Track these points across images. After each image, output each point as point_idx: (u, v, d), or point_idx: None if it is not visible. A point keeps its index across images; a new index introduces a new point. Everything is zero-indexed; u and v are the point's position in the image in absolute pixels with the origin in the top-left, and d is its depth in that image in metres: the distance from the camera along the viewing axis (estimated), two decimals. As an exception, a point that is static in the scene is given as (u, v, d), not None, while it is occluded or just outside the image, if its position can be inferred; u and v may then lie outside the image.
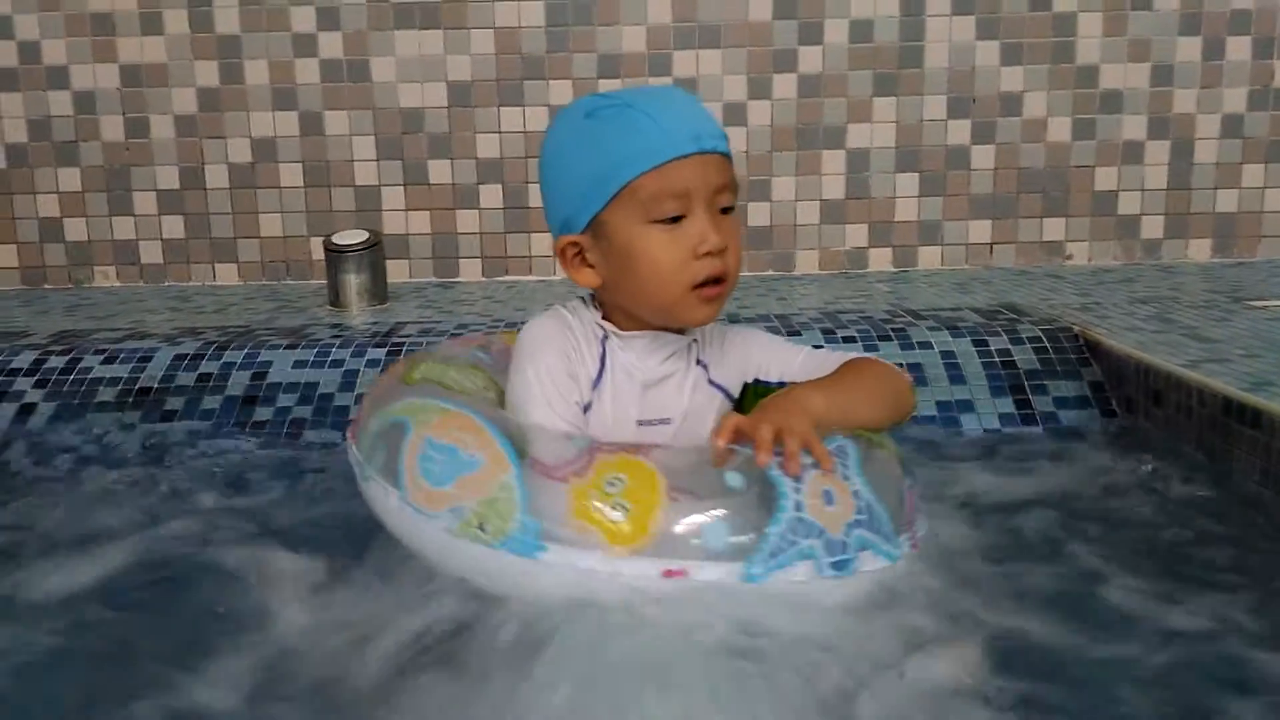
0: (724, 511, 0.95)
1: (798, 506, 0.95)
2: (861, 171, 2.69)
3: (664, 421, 1.15)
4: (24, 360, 1.87)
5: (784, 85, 2.65)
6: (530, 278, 2.66)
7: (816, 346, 1.23)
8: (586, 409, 1.13)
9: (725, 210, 1.10)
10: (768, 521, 0.94)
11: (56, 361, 1.87)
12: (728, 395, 1.19)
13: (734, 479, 0.97)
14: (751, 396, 1.19)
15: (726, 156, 1.11)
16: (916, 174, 2.68)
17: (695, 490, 0.96)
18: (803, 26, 2.63)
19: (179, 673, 0.95)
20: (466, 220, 2.71)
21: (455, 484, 0.99)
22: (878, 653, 0.93)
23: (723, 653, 0.90)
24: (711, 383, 1.18)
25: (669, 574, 0.93)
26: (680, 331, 1.16)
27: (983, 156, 2.68)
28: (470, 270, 2.72)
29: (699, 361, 1.18)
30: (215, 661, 0.98)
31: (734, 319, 2.04)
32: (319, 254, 2.63)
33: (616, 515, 0.94)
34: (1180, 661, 0.96)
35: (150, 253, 2.72)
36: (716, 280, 1.09)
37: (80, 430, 1.71)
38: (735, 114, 2.66)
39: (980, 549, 1.21)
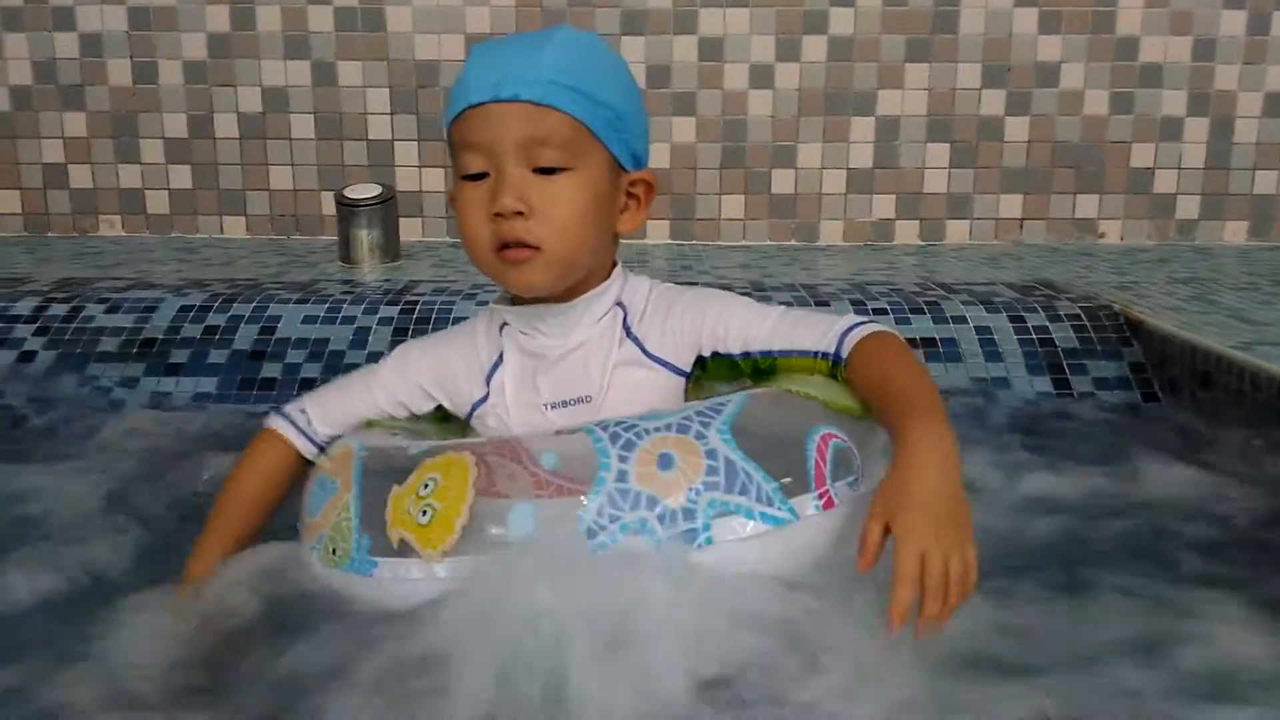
0: (529, 496, 0.86)
1: (620, 476, 0.86)
2: (891, 140, 2.60)
3: (581, 401, 1.03)
4: (25, 307, 1.80)
5: (814, 48, 2.57)
6: (546, 240, 2.58)
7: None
8: (484, 401, 1.06)
9: (547, 170, 0.96)
10: (585, 499, 0.85)
11: (58, 309, 1.80)
12: (675, 370, 1.05)
13: (549, 458, 0.87)
14: (717, 369, 1.04)
15: (545, 106, 0.95)
16: (947, 144, 2.60)
17: (505, 478, 0.87)
18: (835, -13, 2.54)
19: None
20: (482, 179, 2.63)
21: (320, 513, 0.95)
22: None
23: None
24: (650, 356, 1.04)
25: None
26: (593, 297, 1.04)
27: (1016, 128, 2.59)
28: (484, 231, 2.65)
29: (629, 333, 1.05)
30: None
31: (759, 288, 1.97)
32: (329, 209, 2.56)
33: (425, 519, 0.87)
34: (1222, 651, 0.90)
35: (157, 202, 2.65)
36: (520, 244, 0.97)
37: (81, 380, 1.65)
38: (762, 76, 2.57)
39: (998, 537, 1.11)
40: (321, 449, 1.05)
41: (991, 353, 1.72)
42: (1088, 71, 2.57)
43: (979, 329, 1.76)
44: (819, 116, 2.60)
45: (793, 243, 2.65)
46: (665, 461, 0.87)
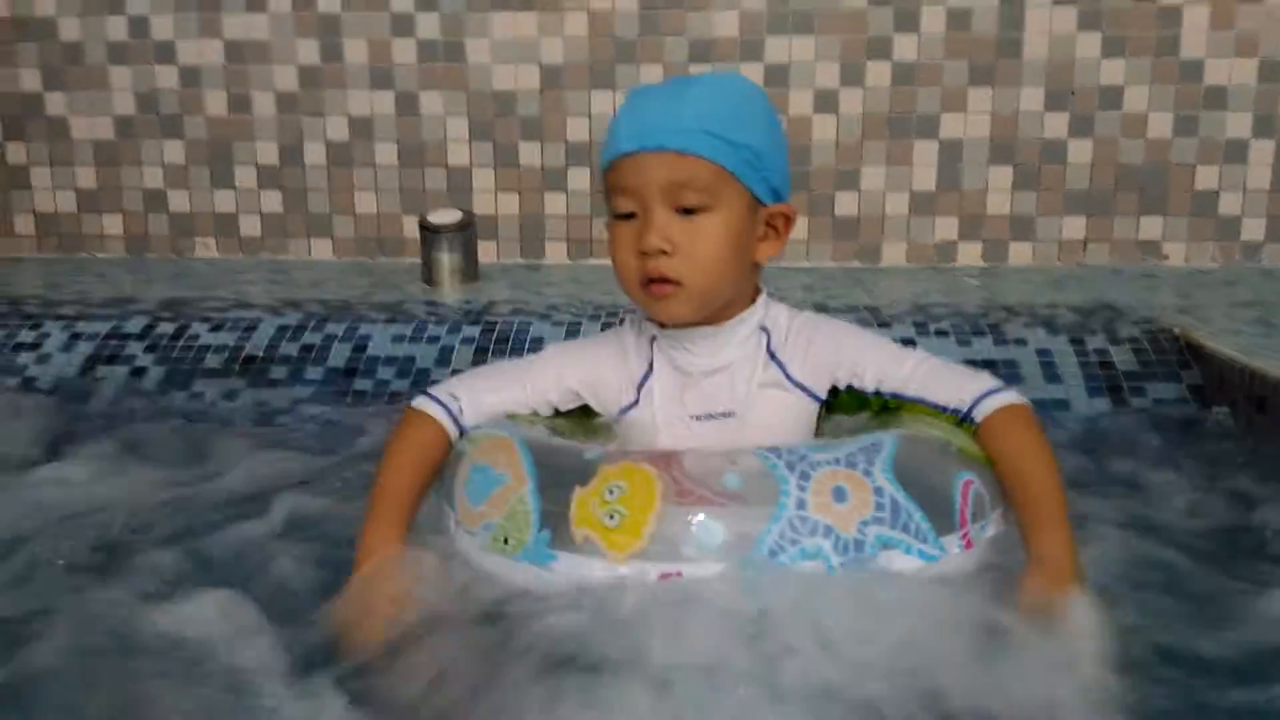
0: (717, 512, 0.95)
1: (800, 504, 0.94)
2: (954, 163, 2.65)
3: (725, 415, 1.13)
4: (135, 325, 1.95)
5: (877, 73, 2.63)
6: (615, 261, 2.67)
7: (904, 342, 1.14)
8: (633, 407, 1.15)
9: (689, 211, 1.06)
10: (768, 520, 0.94)
11: (165, 328, 1.94)
12: (812, 395, 1.14)
13: (732, 479, 0.96)
14: (848, 400, 1.14)
15: (688, 154, 1.05)
16: (1010, 167, 2.64)
17: (690, 493, 0.95)
18: (898, 14, 2.60)
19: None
20: (554, 202, 2.74)
21: (486, 502, 1.02)
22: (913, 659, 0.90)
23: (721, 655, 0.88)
24: (791, 380, 1.14)
25: (664, 576, 0.94)
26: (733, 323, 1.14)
27: (1080, 151, 2.62)
28: (556, 252, 2.75)
29: (773, 357, 1.14)
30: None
31: (822, 309, 2.04)
32: (411, 232, 2.69)
33: (612, 522, 0.95)
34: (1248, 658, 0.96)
35: (249, 226, 2.80)
36: (664, 280, 1.07)
37: (189, 394, 1.78)
38: (826, 101, 2.64)
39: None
40: (460, 434, 1.12)
41: (1051, 374, 1.77)
42: (1151, 94, 2.59)
43: (1040, 351, 1.81)
44: (882, 140, 2.65)
45: (855, 264, 2.71)
46: (839, 494, 0.95)
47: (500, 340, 1.95)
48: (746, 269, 1.13)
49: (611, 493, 0.96)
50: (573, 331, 1.93)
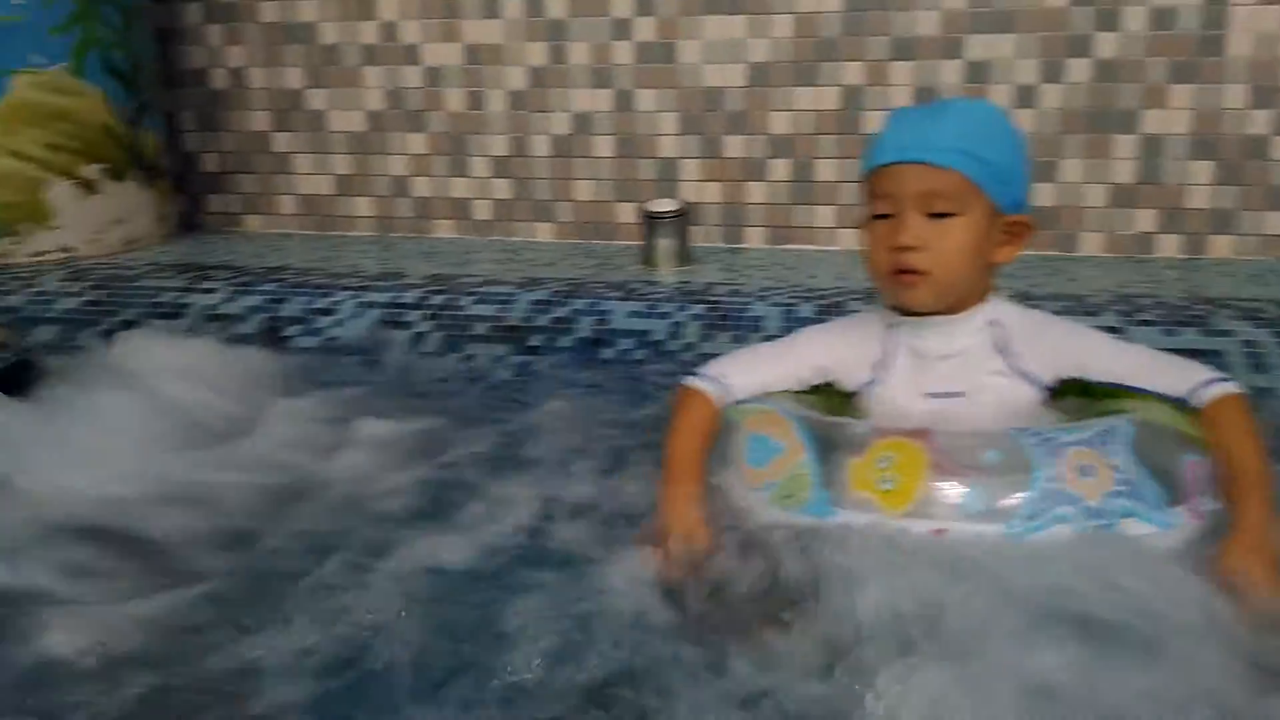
0: (980, 480, 1.13)
1: (1051, 478, 1.11)
2: (1154, 157, 2.71)
3: (956, 395, 1.30)
4: (411, 297, 2.25)
5: (1078, 69, 2.71)
6: (812, 247, 2.85)
7: (1110, 331, 1.27)
8: (873, 384, 1.34)
9: (939, 215, 1.24)
10: (1024, 490, 1.11)
11: (436, 299, 2.23)
12: (1036, 384, 1.31)
13: (991, 455, 1.14)
14: (1071, 387, 1.31)
15: (940, 167, 1.23)
16: (1212, 162, 2.68)
17: (955, 464, 1.14)
18: (1100, 13, 2.67)
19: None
20: (755, 191, 2.93)
21: (768, 466, 1.23)
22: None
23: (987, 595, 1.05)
24: (1016, 369, 1.30)
25: (935, 533, 1.13)
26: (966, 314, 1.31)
27: (1285, 148, 2.64)
28: (755, 238, 2.94)
29: (1002, 348, 1.31)
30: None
31: (1026, 296, 2.17)
32: (624, 218, 2.94)
33: (886, 486, 1.14)
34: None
35: (482, 210, 3.11)
36: (910, 270, 1.26)
37: (462, 357, 2.07)
38: (1025, 96, 2.74)
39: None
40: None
41: (1257, 365, 1.85)
42: (1364, 91, 2.59)
43: (1245, 343, 1.89)
44: (1080, 134, 2.74)
45: (1052, 252, 2.80)
46: (1086, 470, 1.14)
47: (721, 318, 2.15)
48: (983, 268, 1.31)
49: (883, 462, 1.16)
50: (787, 311, 2.12)
